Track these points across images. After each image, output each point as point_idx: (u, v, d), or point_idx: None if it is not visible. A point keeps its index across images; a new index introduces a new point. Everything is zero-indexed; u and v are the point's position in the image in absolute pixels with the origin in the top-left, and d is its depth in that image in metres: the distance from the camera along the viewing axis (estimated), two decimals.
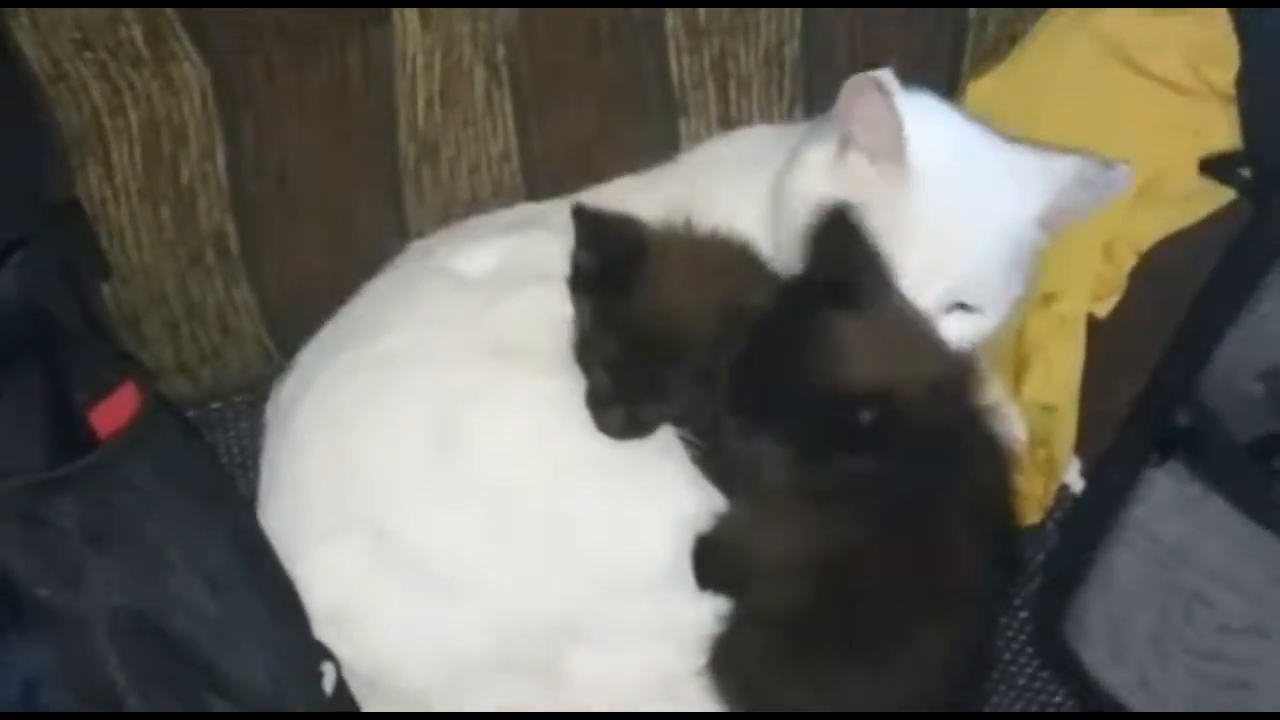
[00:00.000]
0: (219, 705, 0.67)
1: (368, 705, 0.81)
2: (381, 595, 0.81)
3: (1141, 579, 0.83)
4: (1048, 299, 0.93)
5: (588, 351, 0.81)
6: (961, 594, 0.76)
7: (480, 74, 0.93)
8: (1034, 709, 0.92)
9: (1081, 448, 0.95)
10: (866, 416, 0.73)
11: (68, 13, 0.84)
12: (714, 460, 0.80)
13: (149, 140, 0.90)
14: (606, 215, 0.84)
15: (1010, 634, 0.93)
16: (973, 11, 0.96)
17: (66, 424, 0.69)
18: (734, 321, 0.77)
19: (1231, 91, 0.87)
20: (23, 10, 0.83)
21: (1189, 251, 0.87)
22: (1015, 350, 0.95)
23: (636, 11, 0.93)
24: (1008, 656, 0.93)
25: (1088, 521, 0.86)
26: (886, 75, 0.79)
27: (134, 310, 0.94)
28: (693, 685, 0.81)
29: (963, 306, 0.81)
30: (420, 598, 0.80)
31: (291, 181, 0.93)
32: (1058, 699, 0.92)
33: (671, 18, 0.94)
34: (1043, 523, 0.95)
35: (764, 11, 0.94)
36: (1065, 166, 0.81)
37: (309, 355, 0.89)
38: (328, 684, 0.76)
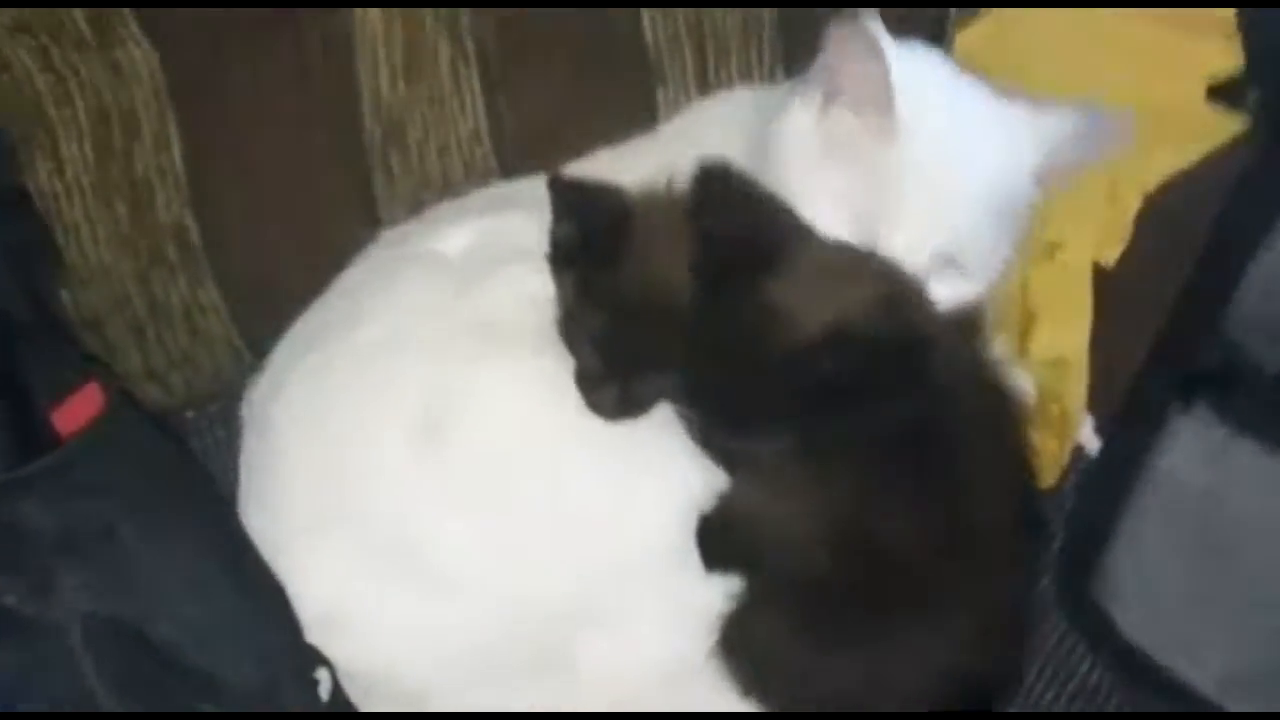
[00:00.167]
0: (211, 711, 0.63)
1: (366, 709, 0.77)
2: (374, 593, 0.77)
3: (1172, 531, 0.80)
4: (1052, 249, 0.90)
5: (573, 328, 0.78)
6: (987, 549, 0.73)
7: (445, 49, 0.90)
8: (1061, 677, 0.89)
9: (1094, 405, 0.92)
10: (828, 362, 0.70)
11: None
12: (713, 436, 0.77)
13: (99, 131, 0.86)
14: (584, 184, 0.81)
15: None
16: None
17: (27, 425, 0.67)
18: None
19: (1231, 28, 0.84)
20: None
21: (1195, 193, 0.84)
22: (1021, 307, 0.92)
23: None
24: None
25: (1111, 475, 0.83)
26: (873, 21, 0.76)
27: (96, 314, 0.90)
28: (705, 670, 0.78)
29: (953, 266, 0.77)
30: (415, 592, 0.77)
31: (253, 171, 0.89)
32: (1084, 668, 0.89)
33: None
34: (1059, 485, 0.92)
35: None
36: (1060, 121, 0.78)
37: (282, 353, 0.86)
38: (323, 690, 0.72)
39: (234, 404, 0.87)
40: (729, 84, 0.93)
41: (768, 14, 0.92)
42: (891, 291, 0.74)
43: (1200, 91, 0.82)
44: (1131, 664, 0.84)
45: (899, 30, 0.78)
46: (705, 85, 0.93)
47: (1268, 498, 0.75)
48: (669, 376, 0.76)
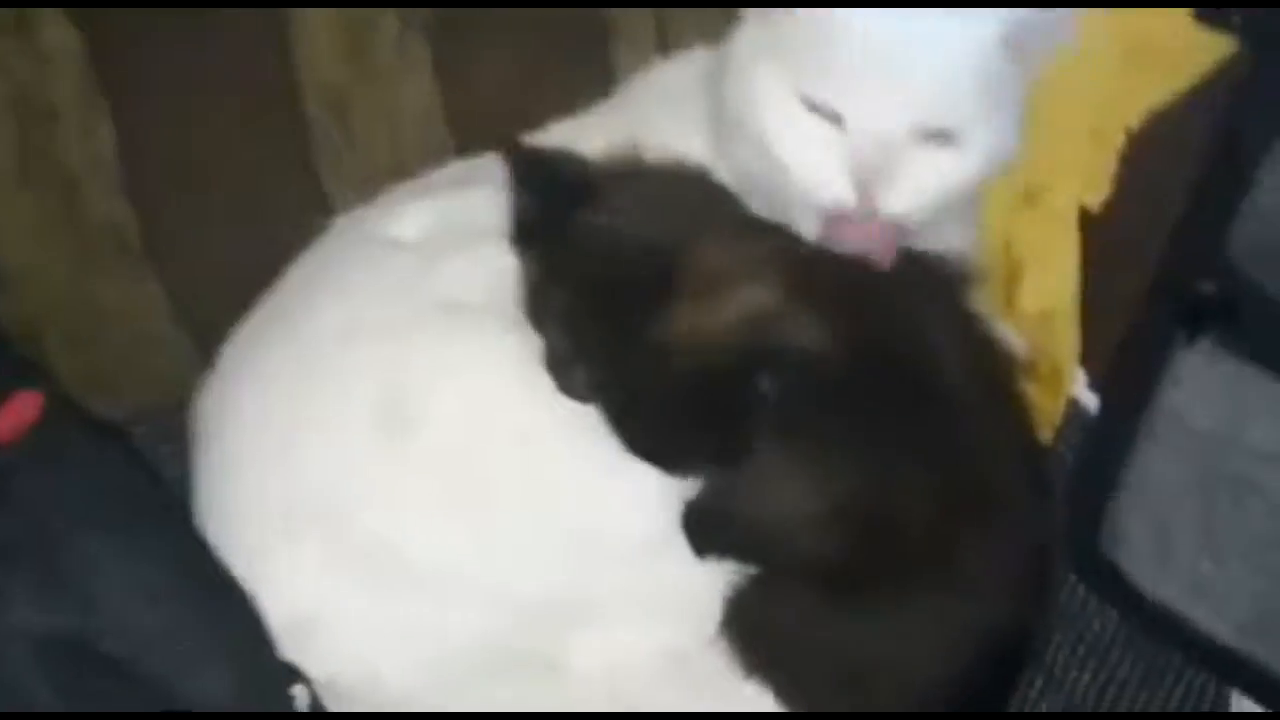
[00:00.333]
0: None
1: None
2: (349, 595, 0.72)
3: (1181, 474, 0.77)
4: (1034, 195, 0.87)
5: (539, 307, 0.74)
6: (1001, 501, 0.70)
7: (389, 22, 0.85)
8: (1072, 639, 0.86)
9: (1085, 357, 0.89)
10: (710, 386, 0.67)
11: None
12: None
13: (19, 119, 0.81)
14: (544, 154, 0.77)
15: None
16: None
17: None
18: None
19: None
20: None
21: (1182, 125, 0.81)
22: (1005, 259, 0.89)
23: None
24: None
25: (1113, 421, 0.80)
26: None
27: (32, 323, 0.85)
28: (705, 661, 0.74)
29: (939, 138, 0.71)
30: (390, 594, 0.72)
31: (192, 161, 0.84)
32: (1096, 627, 0.86)
33: None
34: (1054, 443, 0.88)
35: None
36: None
37: (231, 353, 0.81)
38: (301, 705, 0.67)
39: (185, 411, 0.82)
40: (690, 44, 0.89)
41: None
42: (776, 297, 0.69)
43: (1180, 20, 0.79)
44: (1147, 617, 0.80)
45: None
46: (665, 47, 0.89)
47: None
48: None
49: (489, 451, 0.73)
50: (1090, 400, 0.90)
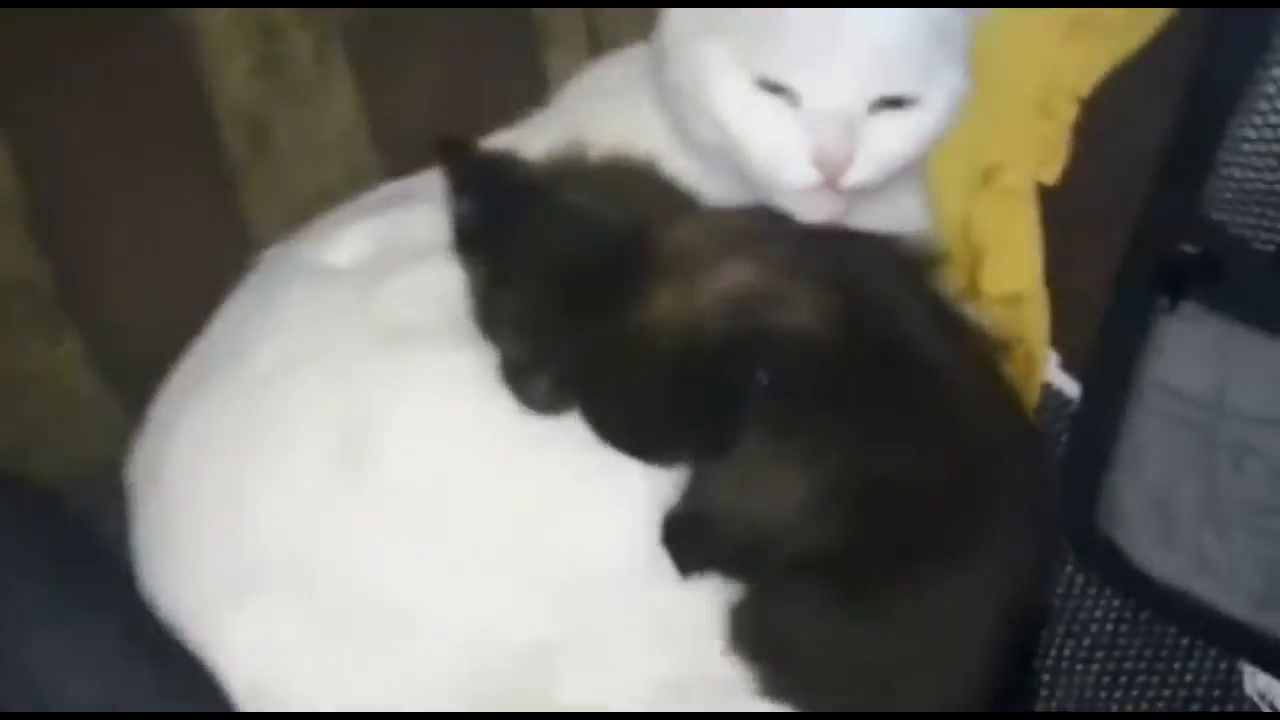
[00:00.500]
0: None
1: None
2: (318, 652, 0.67)
3: (1175, 444, 0.74)
4: (990, 174, 0.84)
5: (490, 315, 0.69)
6: (1002, 473, 0.68)
7: (305, 36, 0.80)
8: (1075, 628, 0.82)
9: (1056, 338, 0.86)
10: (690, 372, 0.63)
11: None
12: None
13: None
14: (483, 154, 0.73)
15: None
16: None
17: None
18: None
19: None
20: None
21: (1137, 86, 0.79)
22: (965, 244, 0.86)
23: None
24: None
25: (1099, 398, 0.77)
26: None
27: None
28: (701, 687, 0.70)
29: (896, 103, 0.69)
30: (365, 643, 0.67)
31: (102, 201, 0.78)
32: (1099, 613, 0.83)
33: None
34: None
35: None
36: None
37: (164, 404, 0.76)
38: None
39: (117, 475, 0.76)
40: (626, 42, 0.85)
41: None
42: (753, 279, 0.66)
43: None
44: (1150, 594, 0.77)
45: None
46: (597, 49, 0.86)
47: (1275, 391, 0.70)
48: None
49: (453, 482, 0.68)
50: (1064, 382, 0.87)
